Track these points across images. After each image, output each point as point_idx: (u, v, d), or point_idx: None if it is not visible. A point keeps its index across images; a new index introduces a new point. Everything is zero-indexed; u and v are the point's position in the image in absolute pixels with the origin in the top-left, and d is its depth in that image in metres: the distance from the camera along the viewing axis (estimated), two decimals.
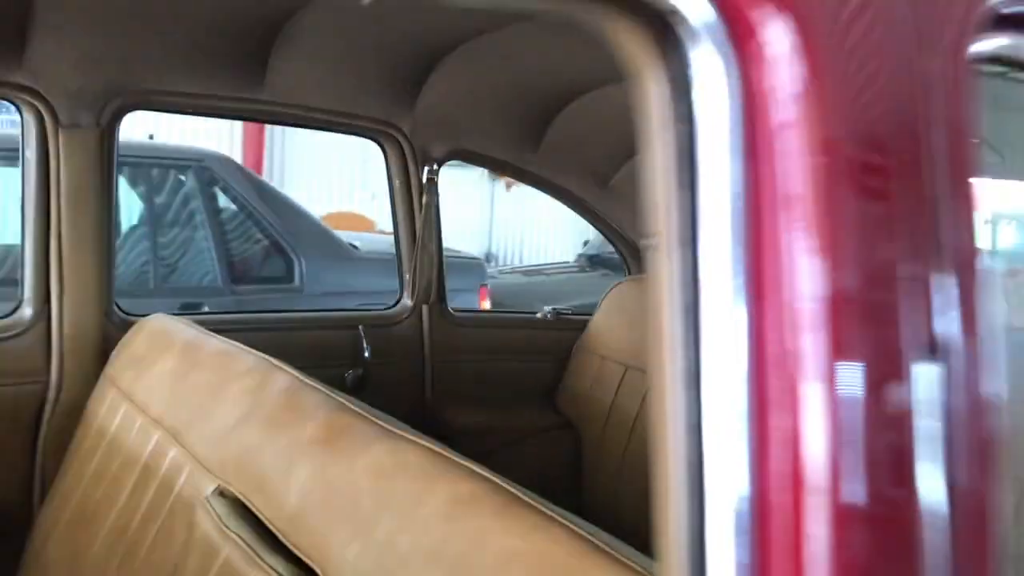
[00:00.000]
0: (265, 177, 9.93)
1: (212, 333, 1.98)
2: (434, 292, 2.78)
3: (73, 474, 1.97)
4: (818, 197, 0.50)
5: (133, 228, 4.81)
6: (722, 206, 0.53)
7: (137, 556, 1.65)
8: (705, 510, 0.54)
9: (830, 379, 0.51)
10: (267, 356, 1.74)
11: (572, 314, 3.21)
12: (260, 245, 4.96)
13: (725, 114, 0.52)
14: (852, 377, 0.53)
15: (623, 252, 3.39)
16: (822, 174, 0.50)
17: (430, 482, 1.19)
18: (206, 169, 4.90)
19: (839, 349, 0.51)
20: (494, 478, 1.14)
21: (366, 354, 2.66)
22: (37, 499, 2.11)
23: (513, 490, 1.11)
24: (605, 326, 3.04)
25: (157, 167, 4.89)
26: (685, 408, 0.53)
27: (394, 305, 2.83)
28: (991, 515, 0.56)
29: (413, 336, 2.81)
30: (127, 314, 2.26)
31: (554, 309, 3.17)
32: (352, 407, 1.45)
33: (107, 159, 2.20)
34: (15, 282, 2.27)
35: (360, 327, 2.69)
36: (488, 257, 11.94)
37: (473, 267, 5.79)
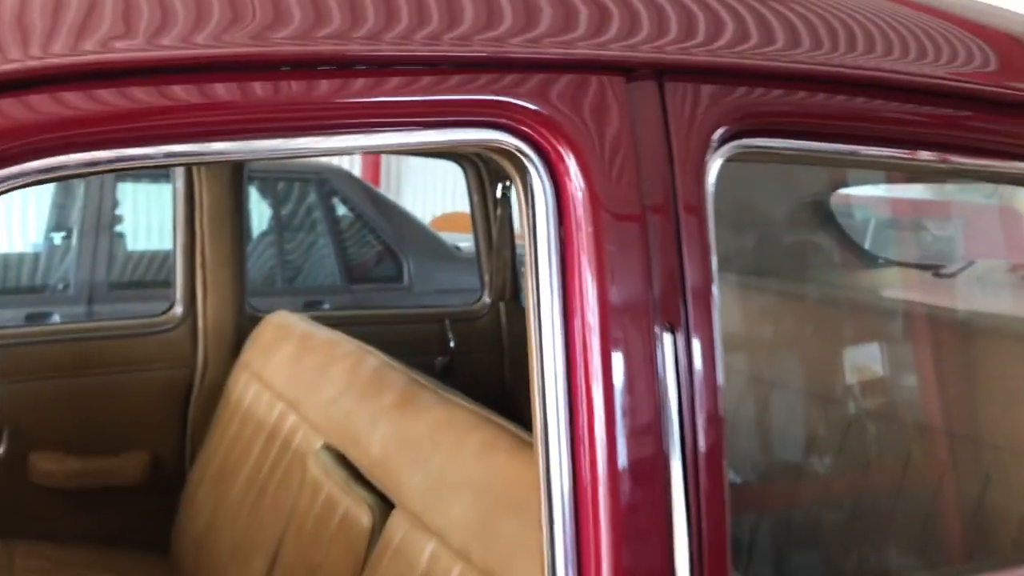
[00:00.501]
0: (382, 183, 10.48)
1: (321, 326, 2.38)
2: (508, 290, 3.15)
3: (216, 438, 2.41)
4: (595, 249, 0.89)
5: (263, 234, 5.26)
6: (549, 256, 0.92)
7: (265, 498, 2.09)
8: (547, 417, 0.94)
9: (604, 357, 0.90)
10: (362, 343, 2.17)
11: None
12: (373, 249, 5.33)
13: (548, 206, 0.91)
14: (617, 357, 0.91)
15: None
16: (596, 238, 0.88)
17: (468, 431, 1.60)
18: (326, 182, 5.31)
19: (608, 338, 0.90)
20: (511, 427, 1.55)
21: (451, 344, 3.04)
22: (188, 459, 2.56)
23: (522, 435, 1.52)
24: None
25: (283, 180, 5.33)
26: (539, 369, 0.93)
27: (476, 302, 3.21)
28: (720, 467, 0.94)
29: (492, 329, 3.16)
30: (257, 311, 2.68)
31: None
32: (420, 380, 1.87)
33: (238, 186, 2.64)
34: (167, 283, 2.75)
35: (446, 321, 3.07)
36: None
37: None
